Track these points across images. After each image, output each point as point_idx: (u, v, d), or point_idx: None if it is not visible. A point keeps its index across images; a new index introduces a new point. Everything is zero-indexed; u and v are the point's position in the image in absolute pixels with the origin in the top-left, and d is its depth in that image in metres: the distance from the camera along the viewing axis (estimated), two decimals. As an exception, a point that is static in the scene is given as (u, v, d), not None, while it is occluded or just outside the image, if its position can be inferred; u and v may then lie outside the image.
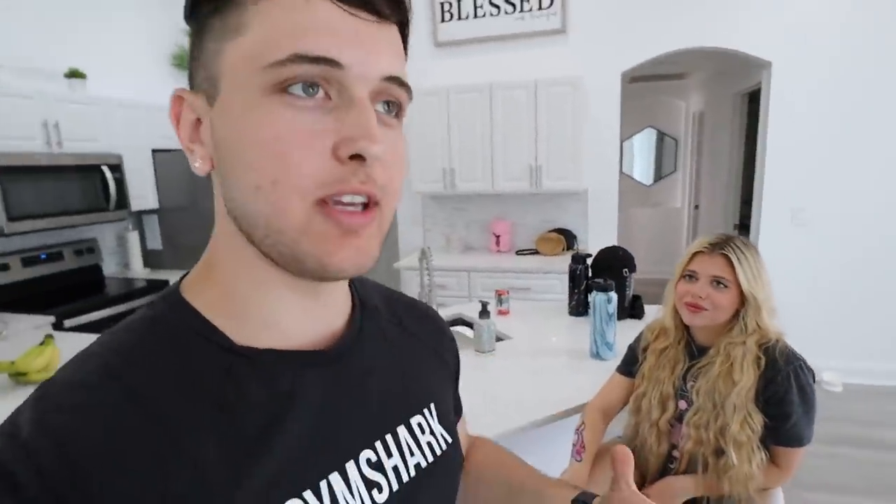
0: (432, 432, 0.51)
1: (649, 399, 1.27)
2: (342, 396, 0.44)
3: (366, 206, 0.38)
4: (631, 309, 2.21)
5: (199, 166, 0.39)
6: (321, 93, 0.35)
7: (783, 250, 3.28)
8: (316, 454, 0.40)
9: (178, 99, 0.40)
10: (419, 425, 0.50)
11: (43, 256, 2.96)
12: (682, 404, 1.24)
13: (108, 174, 2.99)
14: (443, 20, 3.70)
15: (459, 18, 3.67)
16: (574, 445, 1.32)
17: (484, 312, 1.85)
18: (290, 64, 0.34)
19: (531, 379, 1.66)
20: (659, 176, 6.33)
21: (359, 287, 0.53)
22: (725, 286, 1.16)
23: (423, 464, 0.48)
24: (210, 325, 0.40)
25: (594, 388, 1.46)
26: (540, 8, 3.50)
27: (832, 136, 3.10)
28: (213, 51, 0.37)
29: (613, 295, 1.76)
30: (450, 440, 0.53)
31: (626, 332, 1.77)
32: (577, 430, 1.34)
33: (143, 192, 3.35)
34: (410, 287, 3.46)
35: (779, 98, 3.17)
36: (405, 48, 0.41)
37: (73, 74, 3.04)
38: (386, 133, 0.38)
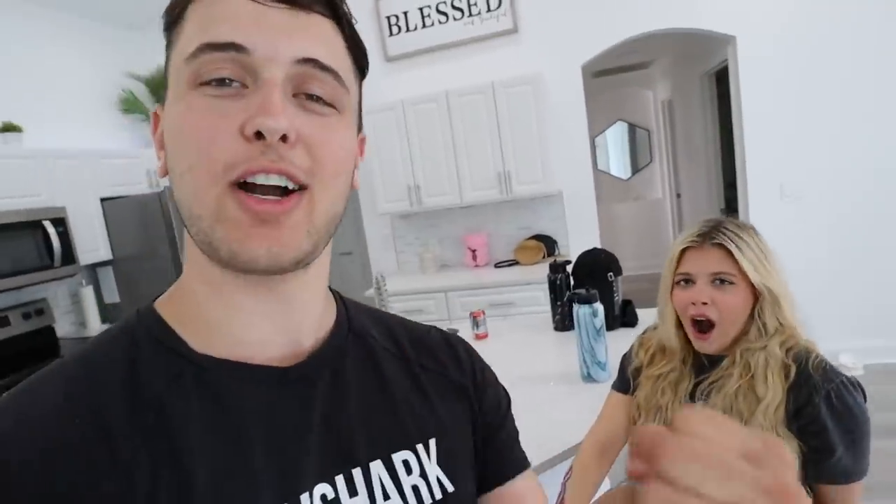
0: (423, 474, 0.43)
1: None
2: (298, 420, 0.40)
3: (289, 193, 0.36)
4: (623, 316, 1.99)
5: (158, 168, 0.40)
6: (237, 83, 0.36)
7: (777, 228, 3.05)
8: (256, 480, 0.37)
9: (154, 116, 0.42)
10: (405, 463, 0.43)
11: (-15, 324, 2.76)
12: None
13: (51, 229, 2.83)
14: (391, 34, 3.54)
15: (408, 30, 3.51)
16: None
17: (455, 342, 1.62)
18: (200, 54, 0.35)
19: (517, 417, 1.42)
20: (636, 169, 6.19)
21: (351, 309, 0.49)
22: (731, 283, 0.92)
23: None
24: (171, 332, 0.40)
25: (591, 418, 1.22)
26: (489, 10, 3.36)
27: (809, 102, 2.94)
28: (167, 63, 0.39)
29: (599, 306, 1.53)
30: (451, 489, 0.44)
31: (619, 345, 1.52)
32: (563, 480, 1.10)
33: (93, 245, 3.20)
34: (387, 316, 3.21)
35: (748, 72, 3.02)
36: (351, 42, 0.41)
37: (8, 128, 2.89)
38: (310, 118, 0.37)
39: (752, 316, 0.93)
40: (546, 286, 2.14)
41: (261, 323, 0.40)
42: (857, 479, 0.88)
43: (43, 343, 3.01)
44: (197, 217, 0.36)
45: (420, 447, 0.44)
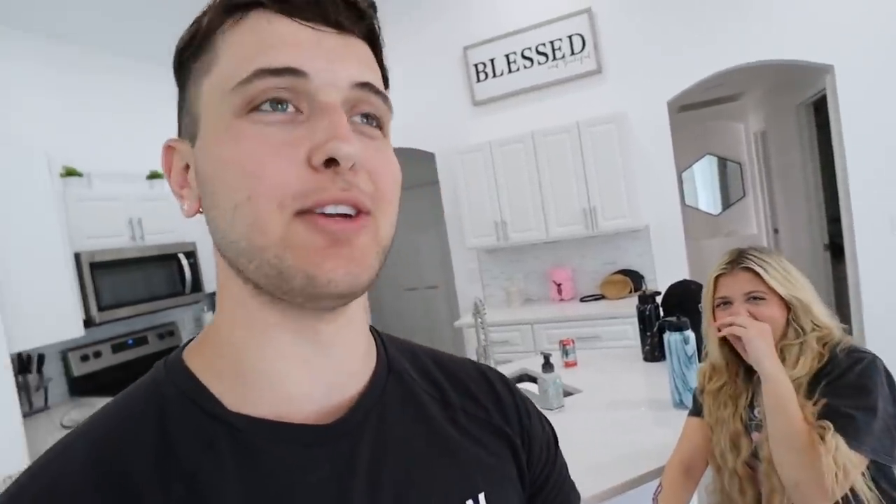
0: None
1: (720, 445, 1.09)
2: (343, 483, 0.37)
3: (355, 216, 0.35)
4: (715, 348, 1.97)
5: (186, 209, 0.38)
6: (291, 108, 0.34)
7: (890, 264, 2.87)
8: None
9: (168, 149, 0.39)
10: None
11: (130, 342, 3.23)
12: (756, 437, 1.05)
13: (184, 261, 3.29)
14: (478, 80, 3.78)
15: (494, 76, 3.74)
16: None
17: (547, 365, 1.71)
18: (255, 80, 0.33)
19: (607, 437, 1.48)
20: (727, 203, 5.95)
21: (388, 345, 0.46)
22: (763, 299, 1.05)
23: None
24: (201, 389, 0.37)
25: (683, 443, 1.26)
26: (573, 53, 3.51)
27: (921, 133, 2.77)
28: (193, 94, 0.37)
29: (690, 334, 1.57)
30: None
31: (712, 375, 1.56)
32: (654, 495, 1.15)
33: (214, 275, 3.57)
34: (472, 345, 3.33)
35: (848, 100, 2.91)
36: (380, 64, 0.40)
37: (154, 175, 3.43)
38: (366, 143, 0.36)
39: (788, 324, 1.04)
40: (633, 320, 2.17)
41: (302, 371, 0.38)
42: (864, 448, 0.88)
43: (171, 362, 3.49)
44: (259, 249, 0.33)
45: (469, 503, 0.41)
